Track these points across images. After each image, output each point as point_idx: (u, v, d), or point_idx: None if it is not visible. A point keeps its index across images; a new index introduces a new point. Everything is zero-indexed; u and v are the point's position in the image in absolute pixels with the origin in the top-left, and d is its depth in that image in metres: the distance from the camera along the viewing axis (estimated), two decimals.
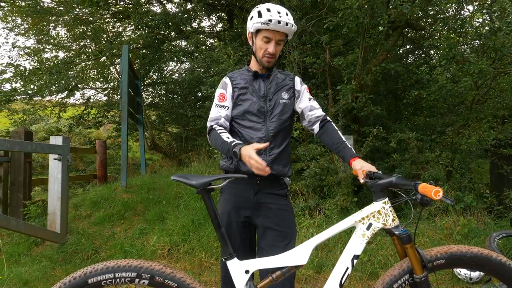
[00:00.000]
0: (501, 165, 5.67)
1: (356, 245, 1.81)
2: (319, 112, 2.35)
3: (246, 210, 2.21)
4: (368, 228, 1.81)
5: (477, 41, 5.67)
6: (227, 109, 2.24)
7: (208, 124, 2.23)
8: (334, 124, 2.35)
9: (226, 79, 2.32)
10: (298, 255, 1.80)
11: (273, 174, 2.18)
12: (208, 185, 1.79)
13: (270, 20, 2.11)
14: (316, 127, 2.34)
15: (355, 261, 1.80)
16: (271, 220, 2.19)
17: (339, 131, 2.31)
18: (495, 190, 5.70)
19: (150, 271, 1.73)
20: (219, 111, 2.23)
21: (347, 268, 1.79)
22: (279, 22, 2.11)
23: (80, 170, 10.74)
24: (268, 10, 2.15)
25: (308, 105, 2.34)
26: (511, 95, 6.10)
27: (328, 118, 2.37)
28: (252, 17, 2.21)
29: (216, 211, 1.83)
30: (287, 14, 2.18)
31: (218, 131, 2.12)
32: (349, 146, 2.22)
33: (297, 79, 2.39)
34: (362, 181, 2.01)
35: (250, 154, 1.84)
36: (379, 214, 1.81)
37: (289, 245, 2.14)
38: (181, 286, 1.73)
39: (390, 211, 1.82)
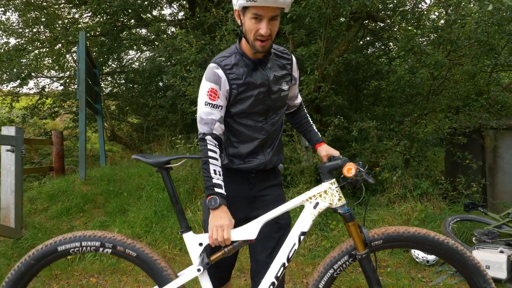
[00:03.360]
0: (455, 153, 5.91)
1: (303, 223, 1.89)
2: (299, 99, 2.29)
3: (241, 205, 2.07)
4: (315, 207, 1.89)
5: (434, 34, 5.84)
6: (221, 109, 1.91)
7: (200, 127, 1.93)
8: (305, 109, 2.34)
9: (218, 71, 1.89)
10: (248, 230, 1.88)
11: (270, 168, 2.12)
12: (166, 163, 1.90)
13: None
14: (289, 111, 2.30)
15: (302, 237, 1.89)
16: (267, 211, 2.02)
17: (308, 116, 2.31)
18: (449, 177, 5.95)
19: (112, 241, 1.89)
20: (212, 112, 1.89)
21: (294, 244, 1.89)
22: None
23: (35, 163, 10.28)
24: None
25: (295, 93, 2.23)
26: (464, 86, 6.37)
27: (302, 104, 2.35)
28: None
29: (174, 187, 1.94)
30: None
31: (209, 153, 1.87)
32: (316, 131, 2.22)
33: (295, 63, 2.10)
34: None
35: (228, 227, 1.82)
36: (325, 194, 1.89)
37: (284, 236, 2.00)
38: (140, 255, 1.90)
39: (337, 191, 1.89)
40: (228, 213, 1.85)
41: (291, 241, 1.89)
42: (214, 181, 1.85)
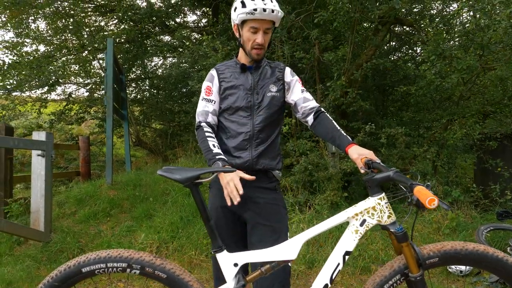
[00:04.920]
0: (486, 159, 5.75)
1: (348, 241, 1.76)
2: (313, 103, 2.27)
3: (234, 205, 2.09)
4: (361, 225, 1.75)
5: (463, 37, 5.71)
6: (214, 103, 2.21)
7: (196, 118, 2.22)
8: (328, 115, 2.27)
9: (213, 72, 2.26)
10: (287, 249, 1.78)
11: (259, 168, 2.14)
12: (196, 179, 1.78)
13: (255, 10, 2.02)
14: (310, 119, 2.26)
15: (347, 257, 1.77)
16: (259, 214, 2.13)
17: (334, 121, 2.23)
18: (479, 184, 5.78)
19: (140, 262, 1.79)
20: (206, 105, 2.20)
21: (338, 264, 1.76)
22: (264, 10, 2.02)
23: (62, 167, 10.49)
24: None
25: (301, 97, 2.26)
26: (495, 91, 6.20)
27: (322, 109, 2.30)
28: (235, 8, 2.11)
29: (204, 204, 1.83)
30: (271, 1, 2.08)
31: (206, 134, 2.10)
32: (344, 134, 2.13)
33: (287, 70, 2.30)
34: (362, 171, 1.92)
35: (234, 177, 1.89)
36: (374, 210, 1.75)
37: (279, 240, 2.03)
38: (170, 277, 1.79)
39: (386, 207, 1.75)
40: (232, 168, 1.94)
41: (334, 261, 1.77)
42: (215, 151, 2.02)
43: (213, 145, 2.04)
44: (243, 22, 2.11)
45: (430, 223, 4.91)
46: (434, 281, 3.87)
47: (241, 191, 1.85)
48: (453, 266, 3.95)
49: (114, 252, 1.80)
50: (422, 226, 4.90)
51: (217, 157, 1.97)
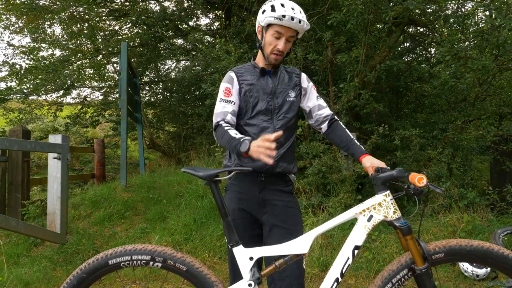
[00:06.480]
0: (503, 161, 5.65)
1: (357, 236, 1.85)
2: (327, 111, 2.34)
3: (252, 208, 2.20)
4: (369, 220, 1.85)
5: (478, 37, 5.62)
6: (233, 104, 2.16)
7: (214, 120, 2.16)
8: (341, 123, 2.35)
9: (231, 74, 2.25)
10: (299, 244, 1.85)
11: (278, 171, 2.18)
12: (215, 176, 1.90)
13: (283, 16, 2.04)
14: (324, 126, 2.34)
15: (356, 251, 1.85)
16: (276, 217, 2.17)
17: (347, 130, 2.31)
18: (496, 186, 5.68)
19: (162, 255, 1.88)
20: (225, 106, 2.15)
21: (348, 258, 1.85)
22: (292, 18, 2.04)
23: (77, 170, 10.62)
24: (282, 5, 2.09)
25: (316, 104, 2.33)
26: (509, 91, 6.09)
27: (335, 117, 2.37)
28: (264, 10, 2.14)
29: (223, 200, 1.92)
30: (301, 12, 2.11)
31: (225, 128, 2.04)
32: (358, 143, 2.22)
33: (304, 76, 2.34)
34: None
35: (256, 141, 1.79)
36: (380, 206, 1.85)
37: None
38: (190, 270, 1.88)
39: (392, 203, 1.86)
40: (256, 140, 1.85)
41: (344, 256, 1.85)
42: (238, 137, 1.93)
43: (235, 133, 1.97)
44: (269, 25, 2.13)
45: (445, 226, 4.84)
46: (450, 285, 3.81)
47: (272, 145, 1.74)
48: (469, 270, 3.89)
49: (139, 246, 1.91)
50: (438, 229, 4.84)
51: (242, 139, 1.88)
